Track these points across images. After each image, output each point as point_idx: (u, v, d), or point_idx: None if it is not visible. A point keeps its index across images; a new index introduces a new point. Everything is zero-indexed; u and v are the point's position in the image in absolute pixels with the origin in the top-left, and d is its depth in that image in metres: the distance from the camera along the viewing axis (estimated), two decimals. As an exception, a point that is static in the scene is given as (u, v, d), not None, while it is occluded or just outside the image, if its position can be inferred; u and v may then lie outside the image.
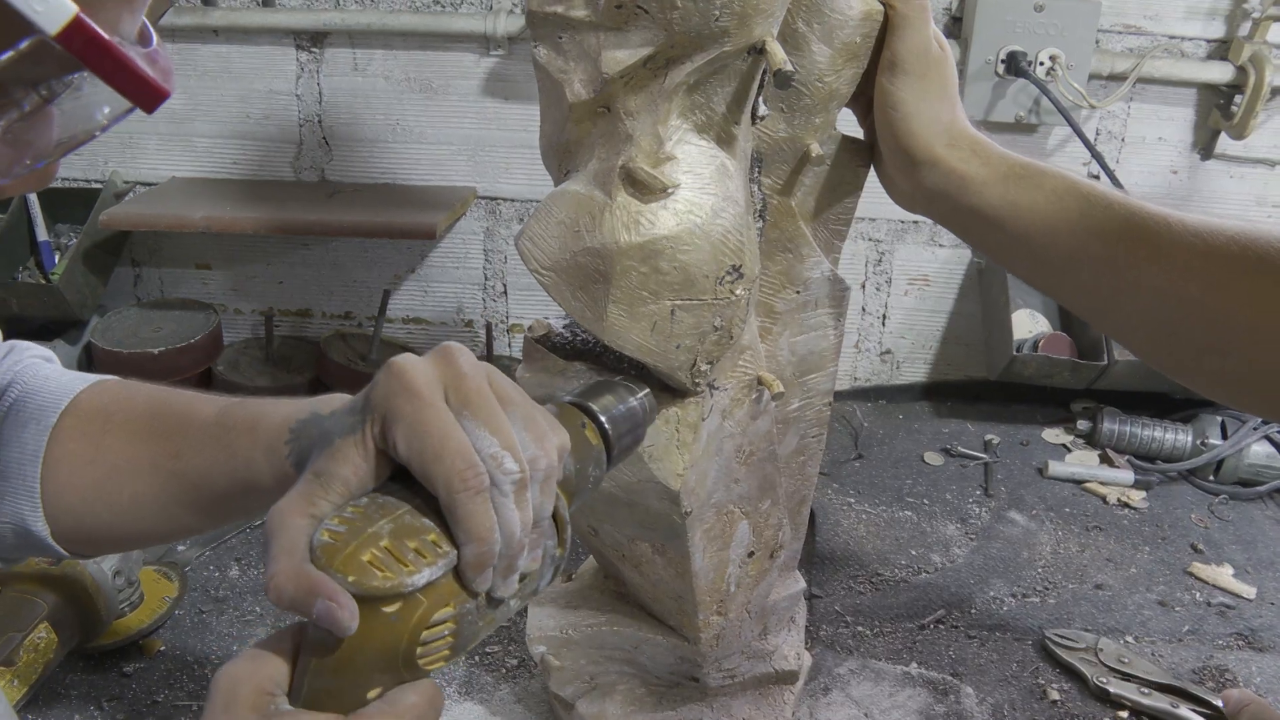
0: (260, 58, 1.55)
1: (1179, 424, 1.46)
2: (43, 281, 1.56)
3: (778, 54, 0.63)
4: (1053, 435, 1.52)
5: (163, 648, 1.08)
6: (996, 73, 1.39)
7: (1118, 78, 1.43)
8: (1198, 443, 1.43)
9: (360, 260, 1.66)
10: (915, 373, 1.65)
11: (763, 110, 0.70)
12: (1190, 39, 1.46)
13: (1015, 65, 1.37)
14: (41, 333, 1.56)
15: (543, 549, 0.55)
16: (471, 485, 0.50)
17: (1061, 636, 1.11)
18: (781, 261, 0.81)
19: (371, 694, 0.50)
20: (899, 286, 1.59)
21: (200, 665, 1.05)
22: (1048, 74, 1.37)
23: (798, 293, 0.83)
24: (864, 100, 0.79)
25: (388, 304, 1.62)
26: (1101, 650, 1.09)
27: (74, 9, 0.33)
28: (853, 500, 1.37)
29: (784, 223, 0.79)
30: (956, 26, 1.44)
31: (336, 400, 0.62)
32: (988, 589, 1.20)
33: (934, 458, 1.46)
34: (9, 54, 0.33)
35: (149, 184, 1.61)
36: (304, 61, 1.55)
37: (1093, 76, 1.43)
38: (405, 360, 0.53)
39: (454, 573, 0.51)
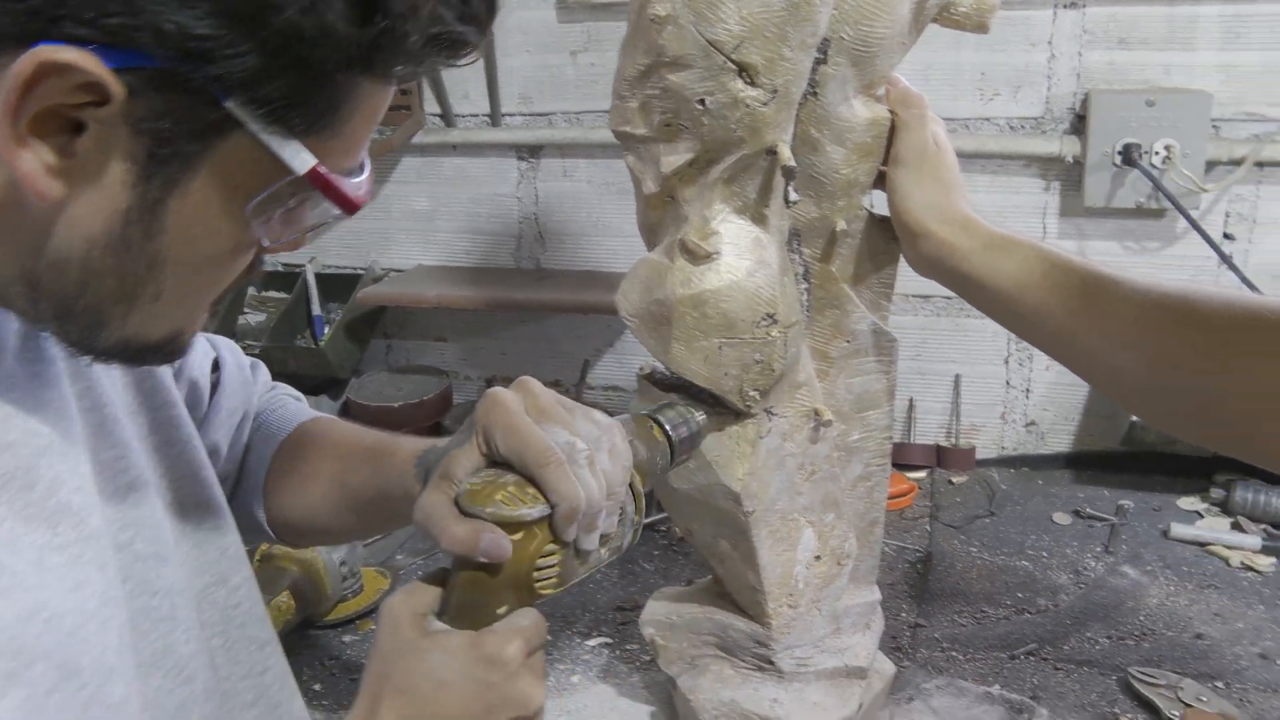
0: (488, 167, 1.89)
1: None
2: (314, 347, 1.93)
3: (784, 154, 0.85)
4: (1188, 503, 1.59)
5: (374, 627, 1.35)
6: (1114, 163, 1.52)
7: (1240, 163, 1.53)
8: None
9: (568, 335, 1.94)
10: (1059, 443, 1.76)
11: (794, 196, 0.91)
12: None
13: (1130, 156, 1.49)
14: (310, 389, 1.93)
15: (620, 513, 0.73)
16: (552, 460, 0.68)
17: (1144, 673, 1.18)
18: (830, 316, 1.01)
19: (500, 610, 0.68)
20: (1040, 361, 1.71)
21: (401, 642, 1.32)
22: (1163, 163, 1.49)
23: (848, 342, 1.02)
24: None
25: (588, 372, 1.91)
26: (1182, 689, 1.16)
27: (314, 161, 0.56)
28: (974, 550, 1.50)
29: (828, 285, 1.00)
30: (1080, 123, 1.59)
31: (444, 440, 0.81)
32: (1084, 629, 1.30)
33: (1062, 518, 1.57)
34: (281, 183, 0.57)
35: (400, 270, 1.98)
36: (523, 170, 1.87)
37: (1215, 163, 1.53)
38: (497, 390, 0.73)
39: (550, 526, 0.69)
